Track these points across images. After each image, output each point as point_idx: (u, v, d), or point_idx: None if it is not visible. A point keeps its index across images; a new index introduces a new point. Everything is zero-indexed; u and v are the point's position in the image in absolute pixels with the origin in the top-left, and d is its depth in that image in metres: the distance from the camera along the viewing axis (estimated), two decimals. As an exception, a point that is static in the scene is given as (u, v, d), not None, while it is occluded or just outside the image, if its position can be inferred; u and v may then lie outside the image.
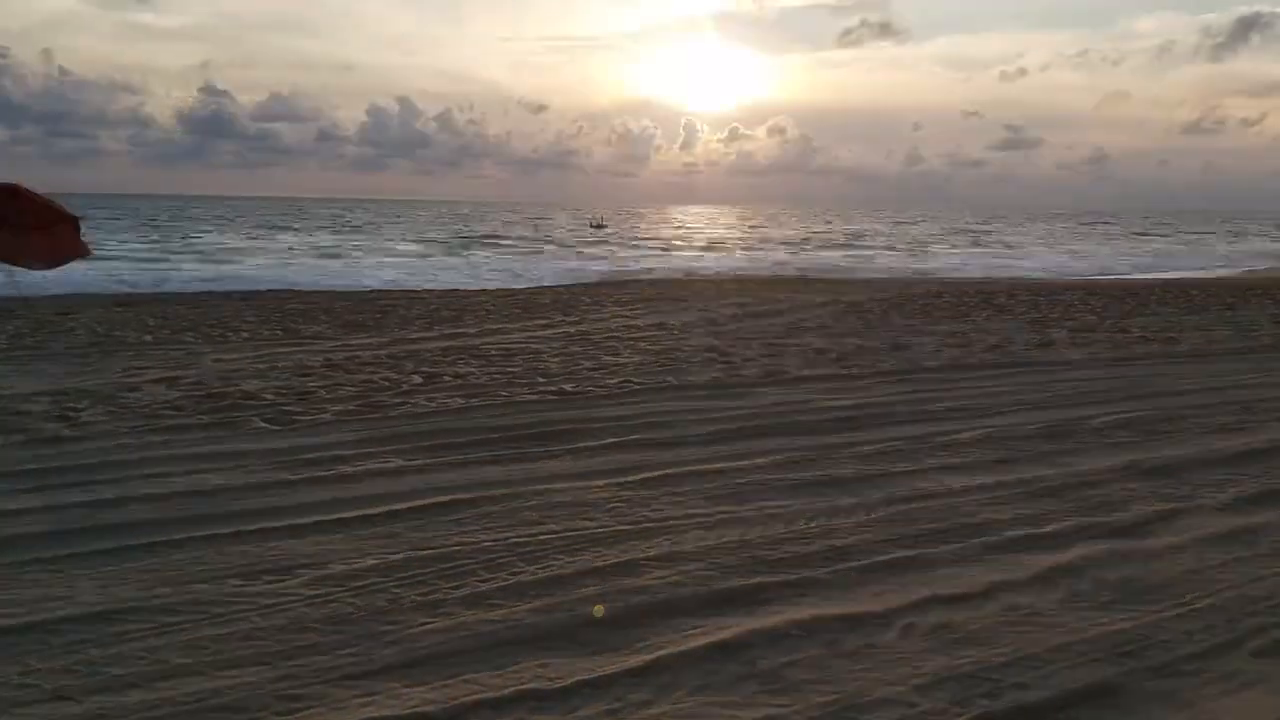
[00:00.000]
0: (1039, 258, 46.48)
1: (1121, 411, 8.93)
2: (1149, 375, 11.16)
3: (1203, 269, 39.91)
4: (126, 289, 23.65)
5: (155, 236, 53.46)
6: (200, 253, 40.92)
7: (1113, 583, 4.81)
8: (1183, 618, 4.40)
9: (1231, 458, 7.34)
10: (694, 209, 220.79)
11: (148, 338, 13.64)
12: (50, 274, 16.93)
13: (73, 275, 20.74)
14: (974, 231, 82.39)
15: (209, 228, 67.24)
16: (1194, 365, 11.98)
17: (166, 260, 35.91)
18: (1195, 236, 78.58)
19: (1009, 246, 58.85)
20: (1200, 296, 21.68)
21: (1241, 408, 9.21)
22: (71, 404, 8.90)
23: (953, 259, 45.05)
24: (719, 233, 78.45)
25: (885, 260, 44.04)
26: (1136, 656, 4.00)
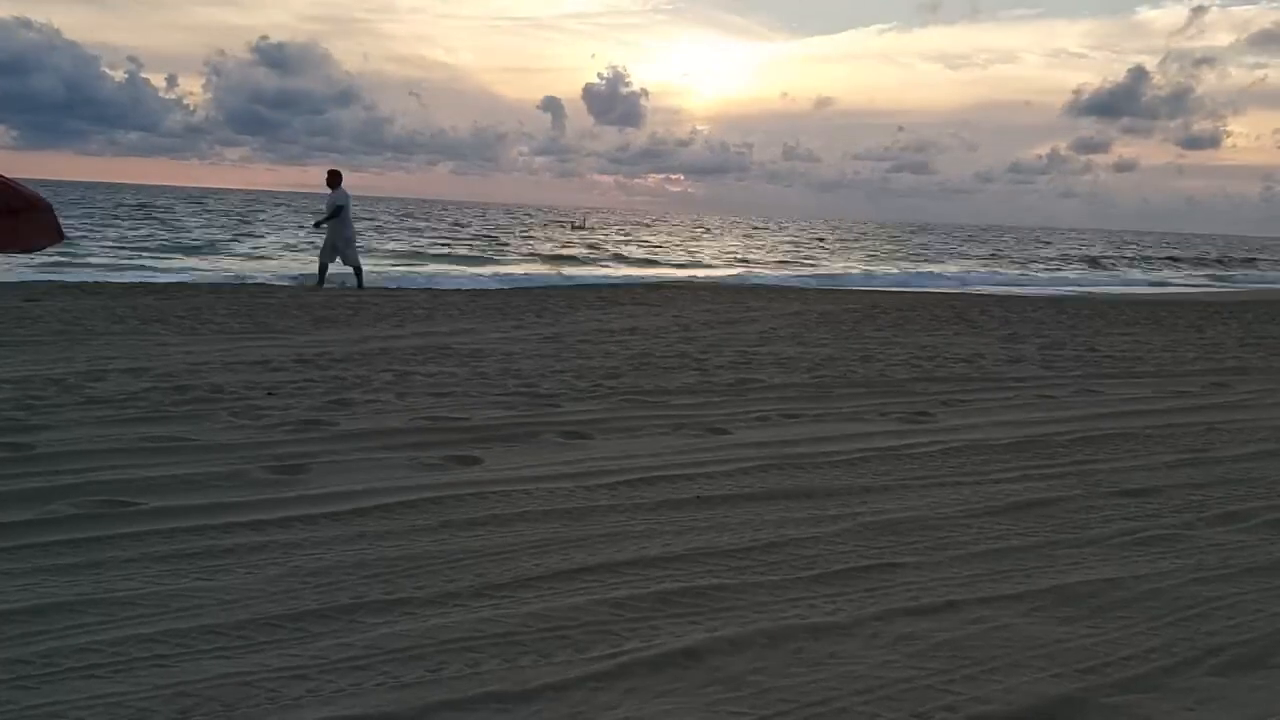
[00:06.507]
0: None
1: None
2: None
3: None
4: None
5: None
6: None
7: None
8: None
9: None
10: (673, 211, 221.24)
11: (117, 327, 13.49)
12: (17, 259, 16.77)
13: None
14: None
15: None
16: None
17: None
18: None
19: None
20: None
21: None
22: (37, 392, 8.78)
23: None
24: (690, 237, 78.62)
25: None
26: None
